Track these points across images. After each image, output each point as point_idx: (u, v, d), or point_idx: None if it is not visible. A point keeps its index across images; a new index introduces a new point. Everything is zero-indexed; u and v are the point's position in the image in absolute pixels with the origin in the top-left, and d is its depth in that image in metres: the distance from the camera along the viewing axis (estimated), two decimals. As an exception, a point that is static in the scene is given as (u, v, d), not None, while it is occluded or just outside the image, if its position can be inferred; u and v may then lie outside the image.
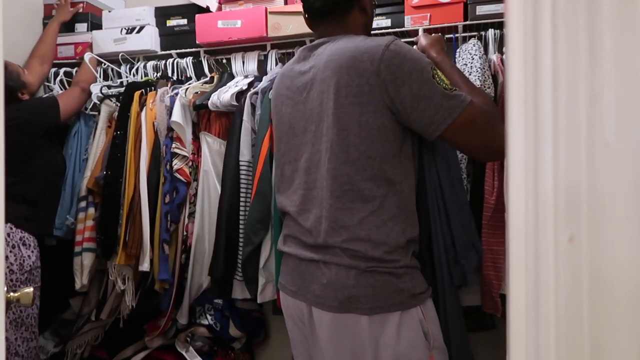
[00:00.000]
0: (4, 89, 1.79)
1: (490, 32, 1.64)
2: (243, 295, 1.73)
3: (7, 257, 1.65)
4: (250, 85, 1.80)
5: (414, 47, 1.32)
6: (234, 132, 1.74)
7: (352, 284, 1.04)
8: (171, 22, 2.06)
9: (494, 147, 1.03)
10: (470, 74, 1.53)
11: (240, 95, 1.76)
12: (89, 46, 2.11)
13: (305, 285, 1.11)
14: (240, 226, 1.70)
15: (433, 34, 1.38)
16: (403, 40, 1.76)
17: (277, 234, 1.41)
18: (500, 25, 1.65)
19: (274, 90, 1.27)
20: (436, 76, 1.02)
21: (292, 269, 1.16)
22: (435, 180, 1.22)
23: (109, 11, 2.14)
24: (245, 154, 1.71)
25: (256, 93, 1.75)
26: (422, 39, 1.32)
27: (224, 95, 1.73)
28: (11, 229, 1.70)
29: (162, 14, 2.08)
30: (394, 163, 1.05)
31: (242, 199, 1.71)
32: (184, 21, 2.03)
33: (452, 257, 1.24)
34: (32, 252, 1.75)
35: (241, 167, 1.71)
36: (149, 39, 2.03)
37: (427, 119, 1.02)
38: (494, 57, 1.61)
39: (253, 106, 1.74)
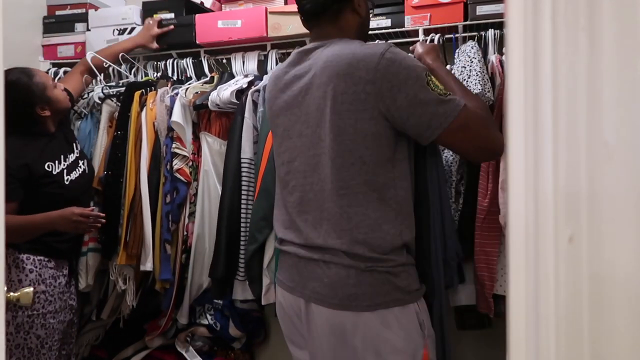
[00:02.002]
0: (19, 101, 1.64)
1: (490, 32, 1.64)
2: (244, 295, 1.72)
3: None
4: (251, 84, 1.80)
5: (411, 54, 1.34)
6: (235, 129, 1.74)
7: (353, 283, 1.08)
8: (158, 17, 2.00)
9: (487, 147, 1.11)
10: (469, 77, 1.52)
11: (240, 93, 1.76)
12: (81, 46, 2.08)
13: (304, 281, 1.14)
14: (242, 225, 1.70)
15: (429, 42, 1.44)
16: (403, 40, 1.78)
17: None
18: (500, 25, 1.65)
19: (267, 92, 1.29)
20: (430, 82, 1.06)
21: (290, 266, 1.19)
22: (435, 183, 1.24)
23: (95, 10, 2.09)
24: (247, 152, 1.71)
25: (258, 90, 1.75)
26: (419, 47, 1.36)
27: (223, 93, 1.73)
28: None
29: (148, 8, 2.04)
30: (387, 167, 1.09)
31: (243, 197, 1.70)
32: (171, 15, 1.99)
33: (443, 259, 1.26)
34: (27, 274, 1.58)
35: (242, 165, 1.71)
36: None
37: (424, 125, 1.05)
38: (492, 57, 1.60)
39: (255, 103, 1.74)
